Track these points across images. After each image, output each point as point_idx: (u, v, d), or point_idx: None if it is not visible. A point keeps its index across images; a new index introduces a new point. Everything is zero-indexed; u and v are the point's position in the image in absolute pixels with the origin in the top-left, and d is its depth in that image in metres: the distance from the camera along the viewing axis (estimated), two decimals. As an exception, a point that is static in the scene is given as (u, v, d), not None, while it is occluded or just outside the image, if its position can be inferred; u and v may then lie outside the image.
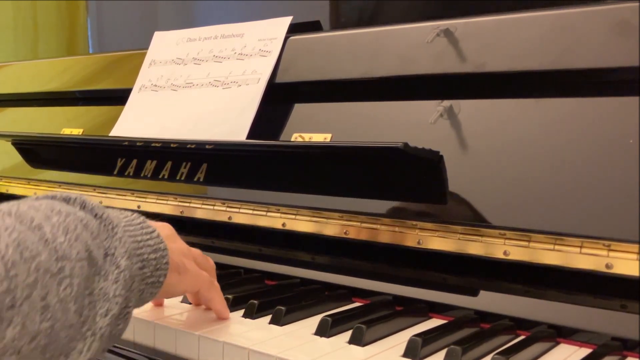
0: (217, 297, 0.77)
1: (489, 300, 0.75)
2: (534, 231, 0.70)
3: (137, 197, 1.09)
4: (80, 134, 1.25)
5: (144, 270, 0.62)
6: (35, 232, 0.53)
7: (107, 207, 0.64)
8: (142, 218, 0.65)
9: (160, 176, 1.06)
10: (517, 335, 0.72)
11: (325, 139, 0.90)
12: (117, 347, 0.77)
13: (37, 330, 0.51)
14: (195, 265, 0.75)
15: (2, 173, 1.37)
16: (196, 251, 0.78)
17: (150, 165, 1.09)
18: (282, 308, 0.75)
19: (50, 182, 1.25)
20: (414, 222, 0.78)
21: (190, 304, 0.83)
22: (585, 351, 0.67)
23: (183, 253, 0.73)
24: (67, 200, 0.61)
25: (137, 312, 0.77)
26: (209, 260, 0.80)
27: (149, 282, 0.63)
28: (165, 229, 0.72)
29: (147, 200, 1.07)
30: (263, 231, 0.93)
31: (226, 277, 0.93)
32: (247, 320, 0.76)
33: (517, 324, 0.73)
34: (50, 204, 0.58)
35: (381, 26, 0.91)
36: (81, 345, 0.55)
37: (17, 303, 0.49)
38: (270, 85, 0.99)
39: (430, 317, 0.78)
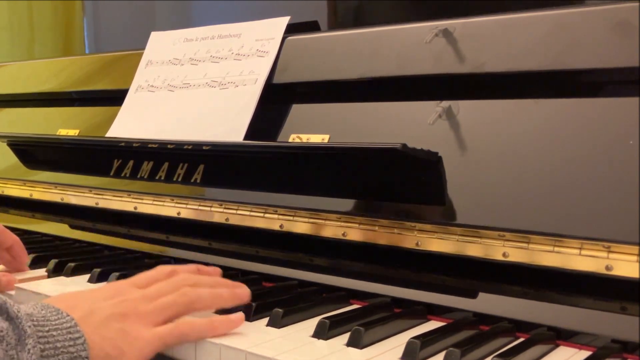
0: (209, 301, 0.75)
1: (488, 302, 0.74)
2: (533, 232, 0.70)
3: (133, 198, 1.08)
4: (76, 134, 1.24)
5: None
6: None
7: (44, 307, 0.64)
8: (73, 322, 0.65)
9: (157, 177, 1.06)
10: (517, 338, 0.72)
11: (323, 139, 0.89)
12: None
13: None
14: (156, 313, 0.71)
15: (-2, 174, 1.37)
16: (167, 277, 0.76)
17: (146, 167, 1.08)
18: (280, 310, 0.74)
19: (46, 183, 1.24)
20: (413, 224, 0.78)
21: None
22: (585, 353, 0.67)
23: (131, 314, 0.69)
24: None
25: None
26: (200, 277, 0.78)
27: None
28: (109, 290, 0.72)
29: (144, 201, 1.07)
30: (260, 233, 0.93)
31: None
32: (245, 322, 0.76)
33: (517, 326, 0.72)
34: None
35: (379, 26, 0.91)
36: None
37: None
38: (268, 86, 0.99)
39: (428, 319, 0.78)
